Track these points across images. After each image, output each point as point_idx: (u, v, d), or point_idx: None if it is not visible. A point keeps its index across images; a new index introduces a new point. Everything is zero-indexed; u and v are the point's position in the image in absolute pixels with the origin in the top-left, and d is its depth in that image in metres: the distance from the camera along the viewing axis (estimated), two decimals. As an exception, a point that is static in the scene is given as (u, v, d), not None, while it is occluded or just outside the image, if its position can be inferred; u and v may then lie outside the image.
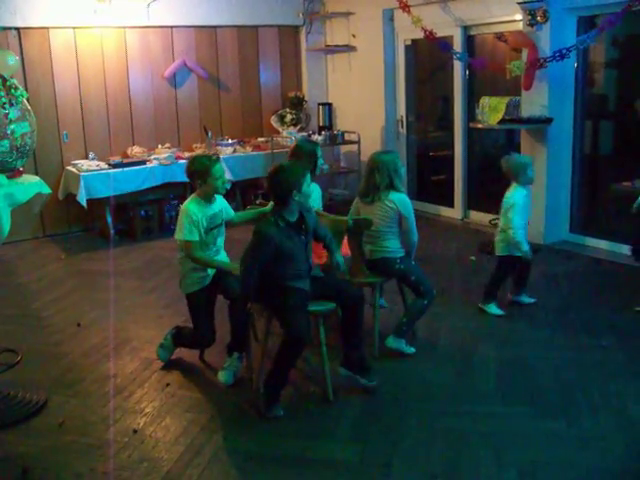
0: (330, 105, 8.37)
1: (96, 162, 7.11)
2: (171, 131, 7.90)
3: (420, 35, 6.68)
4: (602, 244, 6.08)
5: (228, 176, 6.33)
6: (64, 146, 7.29)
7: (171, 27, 7.68)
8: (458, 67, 7.05)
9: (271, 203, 3.68)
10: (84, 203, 6.76)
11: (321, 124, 8.27)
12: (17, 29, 6.81)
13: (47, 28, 6.97)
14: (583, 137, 6.29)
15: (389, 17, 7.65)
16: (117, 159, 7.21)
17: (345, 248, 4.22)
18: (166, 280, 5.68)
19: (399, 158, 4.20)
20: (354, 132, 7.94)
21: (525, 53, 5.99)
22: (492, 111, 6.00)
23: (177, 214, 7.18)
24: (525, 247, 4.51)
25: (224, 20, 7.93)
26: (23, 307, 5.25)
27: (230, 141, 7.87)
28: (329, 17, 8.31)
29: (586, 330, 4.38)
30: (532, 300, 4.87)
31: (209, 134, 7.73)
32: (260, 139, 8.18)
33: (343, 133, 7.98)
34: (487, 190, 7.25)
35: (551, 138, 6.09)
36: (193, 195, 3.87)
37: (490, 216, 6.68)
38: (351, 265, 4.15)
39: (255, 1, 8.03)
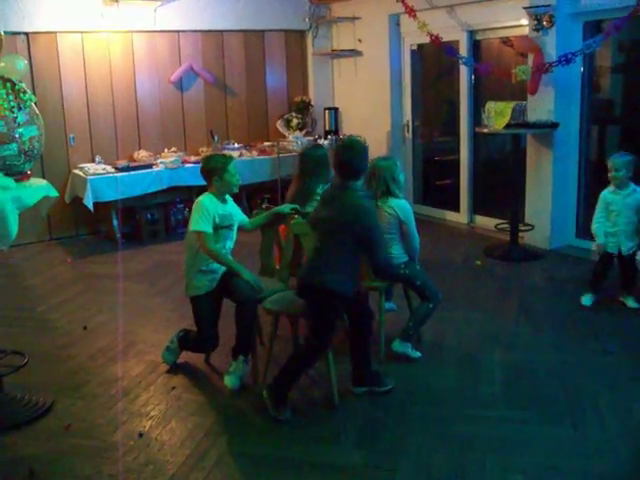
0: (336, 109, 8.38)
1: (103, 166, 7.13)
2: (177, 135, 7.92)
3: (426, 40, 6.68)
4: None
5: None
6: (71, 150, 7.32)
7: (178, 31, 7.71)
8: (464, 72, 7.05)
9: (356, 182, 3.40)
10: (91, 206, 6.77)
11: (327, 128, 8.27)
12: (26, 34, 6.86)
13: (55, 32, 7.01)
14: (589, 142, 6.29)
15: (395, 22, 7.67)
16: (124, 163, 7.23)
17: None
18: (172, 283, 5.70)
19: (398, 165, 4.18)
20: (360, 137, 7.92)
21: (531, 58, 6.00)
22: (498, 116, 5.99)
23: (183, 218, 7.35)
24: (597, 240, 4.85)
25: (230, 24, 7.96)
26: (29, 310, 5.26)
27: (236, 145, 7.89)
28: (335, 22, 8.34)
29: (592, 335, 4.37)
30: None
31: (215, 138, 7.75)
32: (266, 143, 8.18)
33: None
34: (493, 195, 7.26)
35: (557, 143, 6.09)
36: (207, 192, 3.93)
37: (496, 221, 6.68)
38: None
39: (261, 6, 8.07)
